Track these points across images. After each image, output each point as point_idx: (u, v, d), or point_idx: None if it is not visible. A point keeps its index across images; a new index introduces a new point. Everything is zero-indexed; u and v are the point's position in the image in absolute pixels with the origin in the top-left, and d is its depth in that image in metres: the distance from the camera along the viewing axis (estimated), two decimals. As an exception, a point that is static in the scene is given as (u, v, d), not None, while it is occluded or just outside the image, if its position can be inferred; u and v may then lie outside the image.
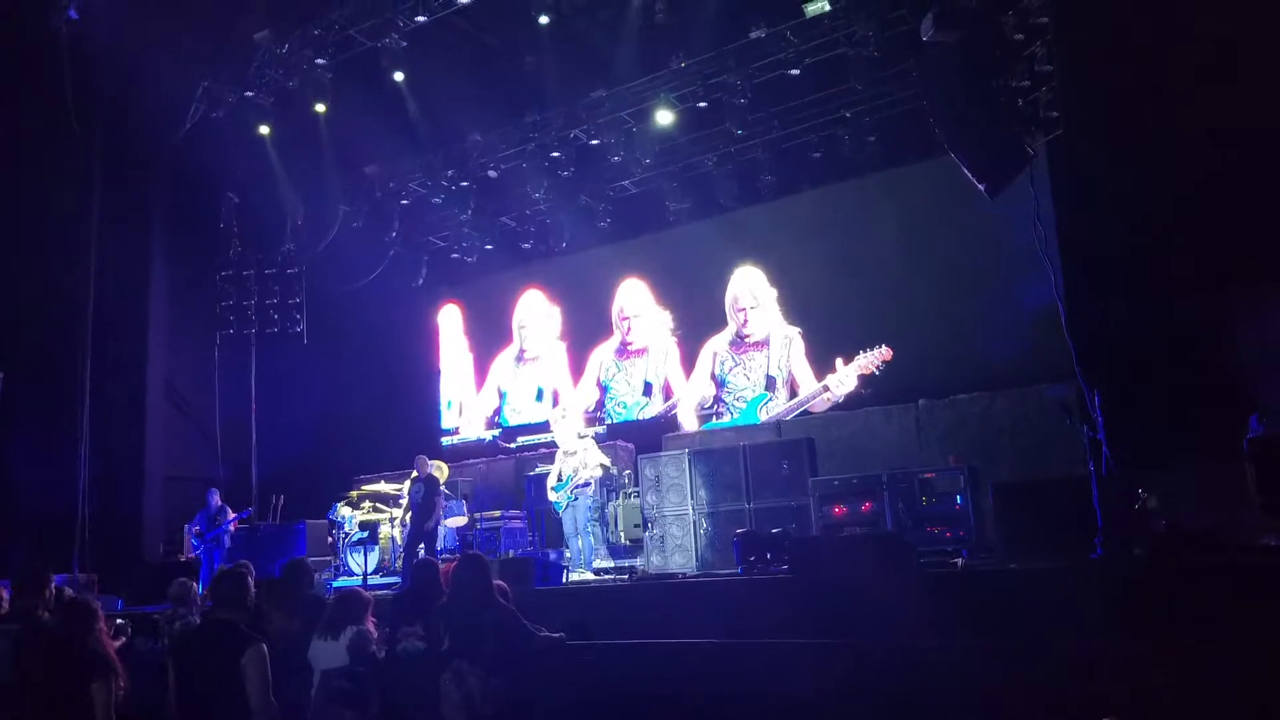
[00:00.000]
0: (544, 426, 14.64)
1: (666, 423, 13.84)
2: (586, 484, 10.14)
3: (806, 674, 6.19)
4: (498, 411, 16.18)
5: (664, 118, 12.84)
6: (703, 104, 12.67)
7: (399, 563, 12.25)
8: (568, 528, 10.31)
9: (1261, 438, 6.62)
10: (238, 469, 15.18)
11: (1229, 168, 7.25)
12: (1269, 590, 5.77)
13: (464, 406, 16.67)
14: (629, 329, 14.79)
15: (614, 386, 14.84)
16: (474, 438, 16.26)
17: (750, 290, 13.63)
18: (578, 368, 15.32)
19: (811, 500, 9.16)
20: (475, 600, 5.95)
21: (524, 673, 5.91)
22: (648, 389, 14.34)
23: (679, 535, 10.08)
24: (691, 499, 10.10)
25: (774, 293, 13.47)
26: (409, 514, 11.21)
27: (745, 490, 9.81)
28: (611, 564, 10.44)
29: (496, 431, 15.95)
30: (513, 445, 14.98)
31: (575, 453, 10.27)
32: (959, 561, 7.46)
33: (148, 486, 14.54)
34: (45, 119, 13.31)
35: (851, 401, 11.32)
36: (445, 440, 16.47)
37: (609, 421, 14.56)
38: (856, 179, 12.66)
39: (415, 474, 11.20)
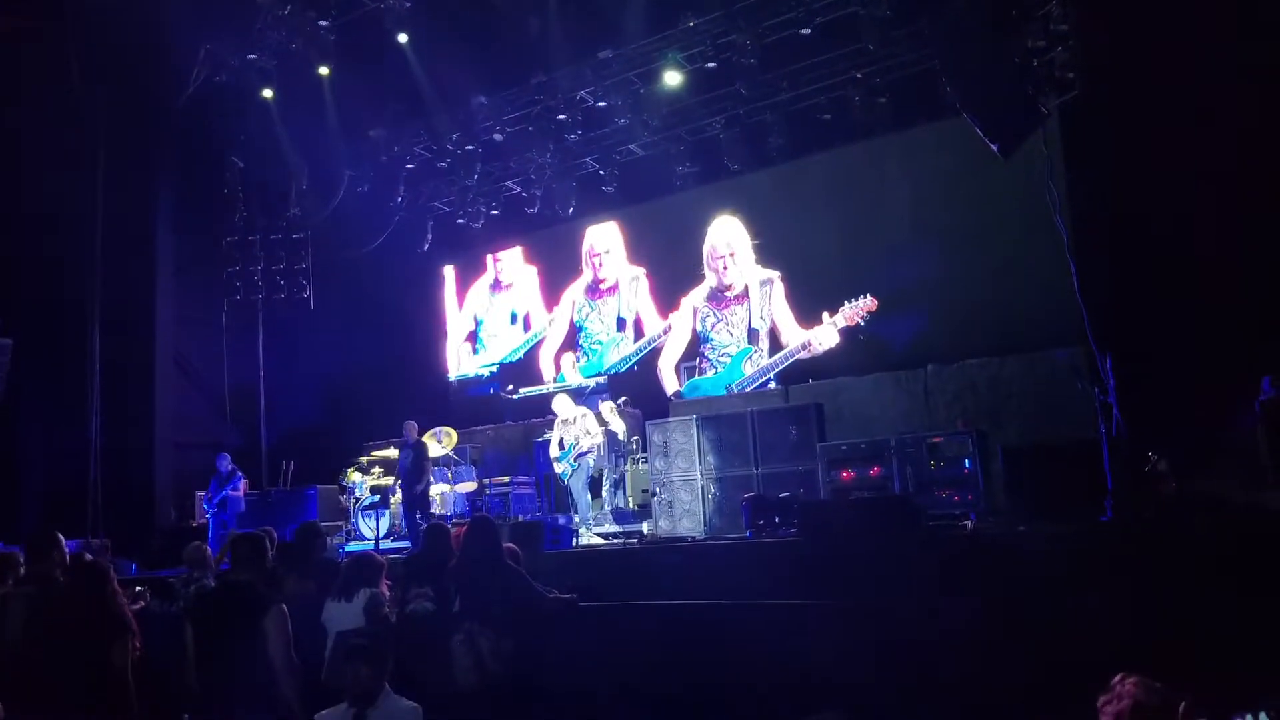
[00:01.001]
0: (531, 368, 15.32)
1: (645, 366, 14.13)
2: (587, 451, 10.25)
3: (813, 633, 6.27)
4: (473, 335, 16.62)
5: (671, 79, 12.72)
6: (711, 64, 12.52)
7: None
8: (575, 492, 10.41)
9: (1274, 400, 6.60)
10: (247, 435, 15.30)
11: (1247, 132, 7.17)
12: (1273, 552, 5.81)
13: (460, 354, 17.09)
14: (600, 264, 15.08)
15: (588, 325, 15.22)
16: (471, 373, 16.57)
17: (727, 239, 13.63)
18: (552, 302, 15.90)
19: (820, 465, 9.18)
20: (484, 563, 6.10)
21: (534, 633, 6.04)
22: (620, 324, 14.75)
23: (687, 500, 10.15)
24: (700, 464, 10.15)
25: (749, 241, 13.50)
26: (399, 481, 11.32)
27: (753, 455, 9.84)
28: (620, 529, 10.53)
29: (491, 367, 16.23)
30: (515, 396, 15.10)
31: (574, 420, 10.36)
32: (968, 524, 7.49)
33: (158, 453, 14.67)
34: (49, 85, 13.28)
35: (862, 366, 11.28)
36: (454, 383, 16.70)
37: (586, 359, 14.93)
38: (866, 141, 12.51)
39: (403, 440, 11.30)
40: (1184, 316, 7.09)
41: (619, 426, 10.40)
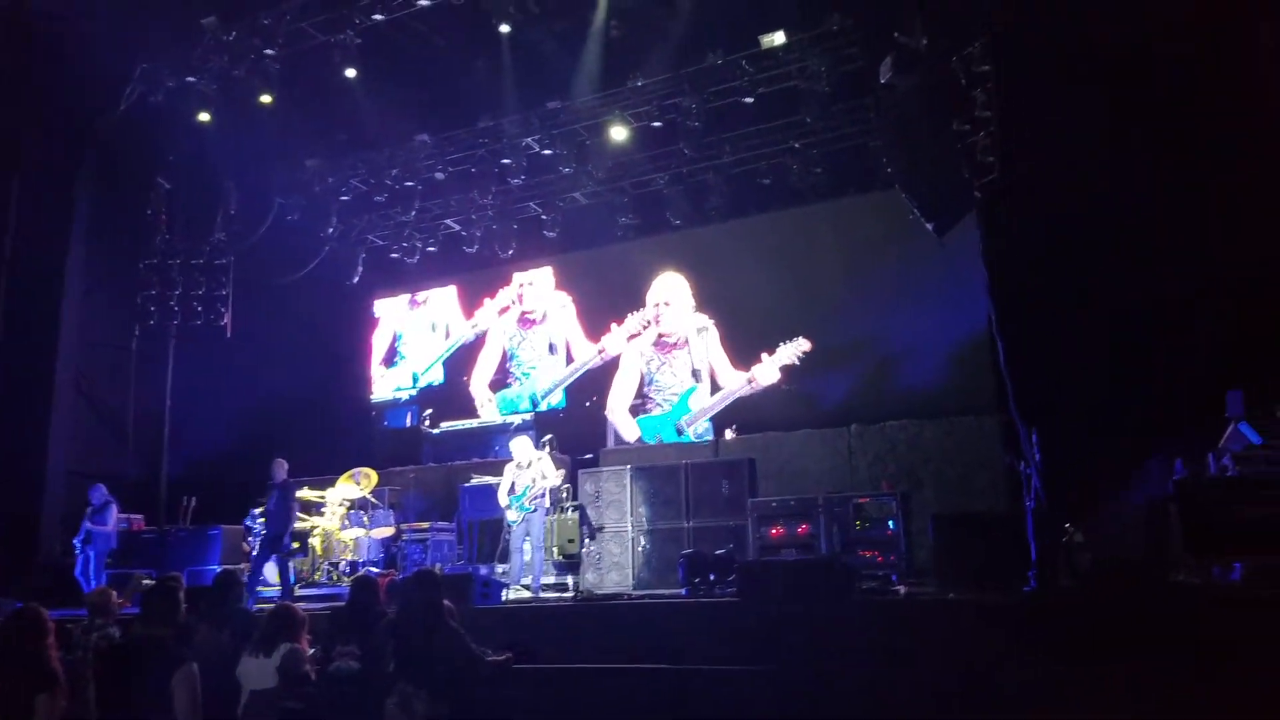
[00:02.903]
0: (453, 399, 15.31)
1: (572, 404, 14.29)
2: (542, 495, 10.02)
3: (757, 702, 6.31)
4: (392, 349, 16.58)
5: (618, 134, 12.98)
6: (657, 123, 12.84)
7: (318, 574, 11.96)
8: (515, 542, 10.10)
9: (1185, 480, 7.03)
10: (149, 467, 14.58)
11: (1170, 212, 7.70)
12: (1184, 623, 6.15)
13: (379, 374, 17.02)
14: (524, 298, 15.43)
15: (519, 353, 15.42)
16: (388, 396, 16.44)
17: (667, 291, 14.17)
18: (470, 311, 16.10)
19: (750, 521, 9.34)
20: (425, 621, 5.85)
21: (471, 698, 5.82)
22: (552, 348, 15.03)
23: (617, 552, 10.15)
24: (631, 516, 10.17)
25: (690, 295, 14.01)
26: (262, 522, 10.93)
27: (685, 509, 9.94)
28: (552, 579, 10.40)
29: (410, 390, 16.13)
30: (436, 430, 14.95)
31: (531, 464, 10.10)
32: (901, 589, 7.70)
33: (49, 483, 13.76)
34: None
35: (789, 422, 11.55)
36: (374, 409, 16.54)
37: (515, 385, 15.08)
38: (802, 207, 13.00)
39: (271, 479, 10.77)
40: (1103, 395, 7.49)
41: (553, 472, 10.24)
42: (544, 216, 14.63)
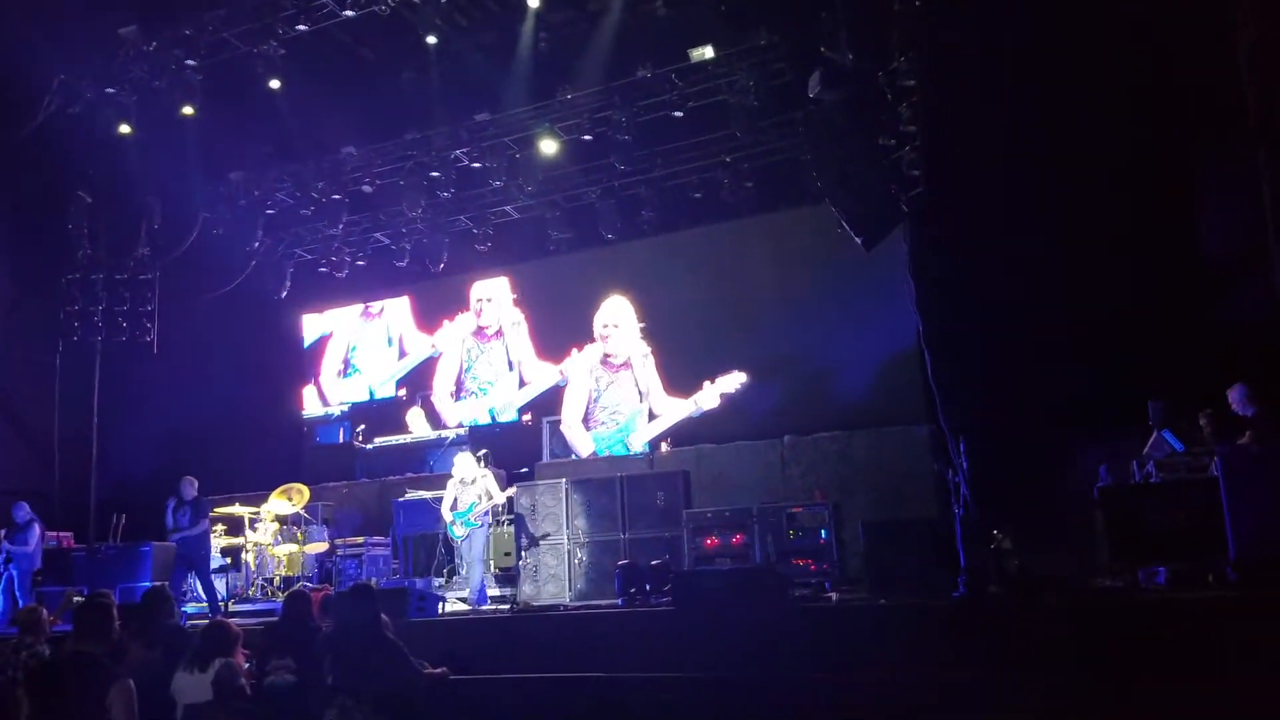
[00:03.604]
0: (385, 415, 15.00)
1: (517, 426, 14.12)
2: (487, 513, 9.74)
3: (694, 709, 6.18)
4: (346, 361, 16.09)
5: (548, 147, 12.71)
6: (587, 137, 12.63)
7: (252, 589, 11.53)
8: (472, 556, 9.80)
9: (1109, 487, 7.08)
10: (76, 485, 13.89)
11: (1093, 224, 7.78)
12: (1110, 627, 6.17)
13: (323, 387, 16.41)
14: (482, 311, 15.11)
15: (475, 367, 15.11)
16: (320, 413, 15.90)
17: (614, 314, 14.01)
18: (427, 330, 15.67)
19: (685, 532, 9.19)
20: (364, 634, 5.84)
21: (410, 710, 5.79)
22: (510, 365, 14.85)
23: (553, 564, 9.90)
24: (568, 528, 9.94)
25: (636, 320, 13.88)
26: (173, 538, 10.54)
27: (621, 521, 9.76)
28: (495, 591, 10.11)
29: (343, 406, 15.68)
30: (369, 446, 14.54)
31: (475, 481, 9.82)
32: (833, 596, 7.61)
33: (-27, 502, 13.06)
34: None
35: (723, 435, 11.46)
36: (306, 425, 16.01)
37: (469, 399, 14.83)
38: (734, 220, 12.89)
39: (180, 496, 10.45)
40: (1028, 404, 7.54)
41: (498, 492, 9.99)
42: (475, 230, 14.29)
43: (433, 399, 15.16)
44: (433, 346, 15.35)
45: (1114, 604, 6.35)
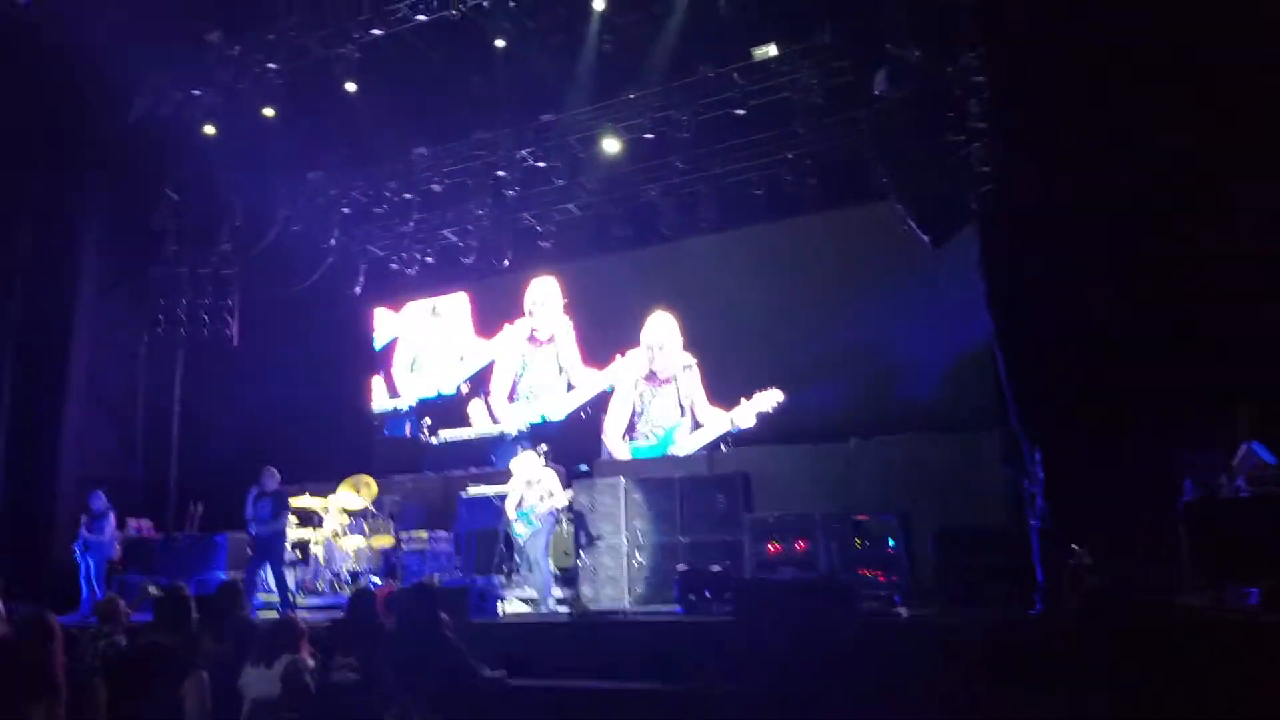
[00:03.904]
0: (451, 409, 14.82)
1: (577, 423, 13.82)
2: (552, 513, 9.35)
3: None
4: (411, 363, 16.02)
5: (610, 146, 12.35)
6: (649, 135, 12.20)
7: (320, 583, 11.40)
8: (535, 555, 9.41)
9: (1194, 501, 6.41)
10: (157, 473, 14.02)
11: (1176, 218, 7.08)
12: (1197, 649, 5.58)
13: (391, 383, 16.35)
14: (534, 314, 14.89)
15: (527, 372, 14.91)
16: (390, 408, 15.80)
17: (660, 333, 13.65)
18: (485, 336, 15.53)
19: (746, 537, 8.71)
20: (423, 635, 5.63)
21: (468, 711, 5.53)
22: (560, 370, 14.63)
23: (611, 566, 9.50)
24: (625, 529, 9.53)
25: (680, 335, 13.49)
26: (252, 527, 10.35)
27: (679, 523, 9.31)
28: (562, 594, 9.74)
29: (410, 402, 15.63)
30: (435, 440, 14.42)
31: (540, 480, 9.47)
32: (903, 611, 7.07)
33: (61, 487, 13.21)
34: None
35: (785, 436, 10.93)
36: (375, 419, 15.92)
37: (522, 403, 14.62)
38: (797, 218, 12.30)
39: (262, 487, 10.22)
40: (1109, 410, 6.89)
41: (560, 491, 9.58)
42: (538, 228, 13.99)
43: (490, 400, 14.99)
44: (491, 351, 15.16)
45: (1202, 624, 5.73)
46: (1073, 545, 6.62)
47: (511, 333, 15.00)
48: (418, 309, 16.03)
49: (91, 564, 10.99)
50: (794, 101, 11.26)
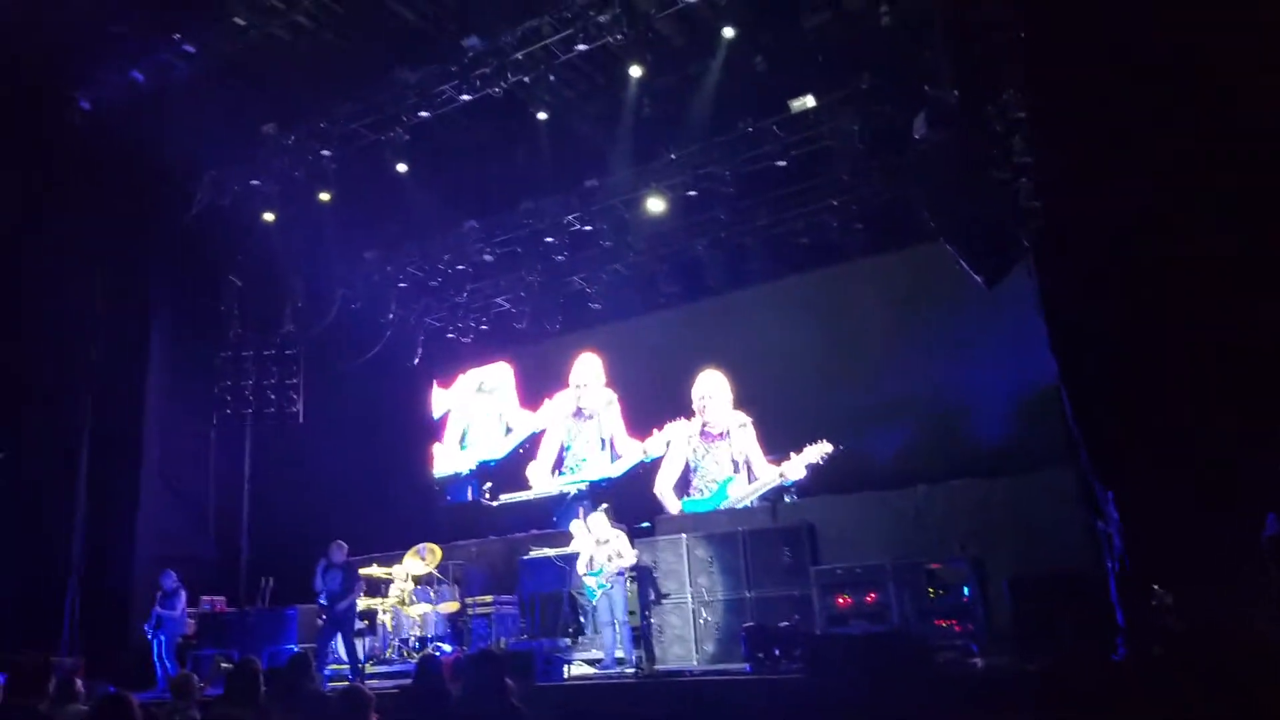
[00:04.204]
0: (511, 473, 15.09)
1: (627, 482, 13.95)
2: (620, 573, 9.38)
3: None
4: (460, 436, 16.31)
5: (655, 205, 12.59)
6: (692, 193, 12.41)
7: (388, 651, 11.53)
8: (604, 616, 9.45)
9: (1278, 536, 6.18)
10: (228, 550, 14.39)
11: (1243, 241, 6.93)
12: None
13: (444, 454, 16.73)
14: (580, 396, 15.17)
15: (574, 444, 15.14)
16: (450, 471, 16.06)
17: (709, 387, 13.73)
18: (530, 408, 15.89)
19: (814, 590, 8.59)
20: (489, 701, 5.52)
21: None
22: (602, 444, 14.84)
23: (678, 625, 9.45)
24: (690, 586, 9.49)
25: (730, 391, 13.55)
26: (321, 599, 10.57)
27: (745, 578, 9.23)
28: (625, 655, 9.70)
29: (469, 466, 15.86)
30: (496, 503, 14.64)
31: (609, 541, 9.52)
32: (978, 661, 6.89)
33: (137, 566, 13.65)
34: (49, 203, 12.89)
35: (849, 484, 10.78)
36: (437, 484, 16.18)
37: (568, 474, 14.81)
38: (844, 264, 12.35)
39: (329, 559, 10.49)
40: (1183, 446, 6.69)
41: (629, 551, 9.58)
42: (588, 290, 14.28)
43: (529, 473, 15.27)
44: (537, 422, 15.46)
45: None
46: (1153, 586, 6.42)
47: (558, 405, 15.31)
48: (466, 384, 16.42)
49: (164, 641, 11.32)
50: (835, 149, 11.38)
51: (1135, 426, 6.87)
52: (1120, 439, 6.93)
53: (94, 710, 4.88)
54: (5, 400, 12.82)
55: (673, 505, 13.37)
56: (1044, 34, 8.53)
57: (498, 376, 16.16)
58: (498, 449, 15.80)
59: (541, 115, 11.42)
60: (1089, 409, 7.17)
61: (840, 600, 8.27)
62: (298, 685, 6.66)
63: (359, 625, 10.95)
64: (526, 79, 11.08)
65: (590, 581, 9.49)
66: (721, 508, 12.48)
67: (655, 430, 13.79)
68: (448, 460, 16.35)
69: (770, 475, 12.45)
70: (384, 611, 11.63)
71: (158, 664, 11.25)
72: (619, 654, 9.19)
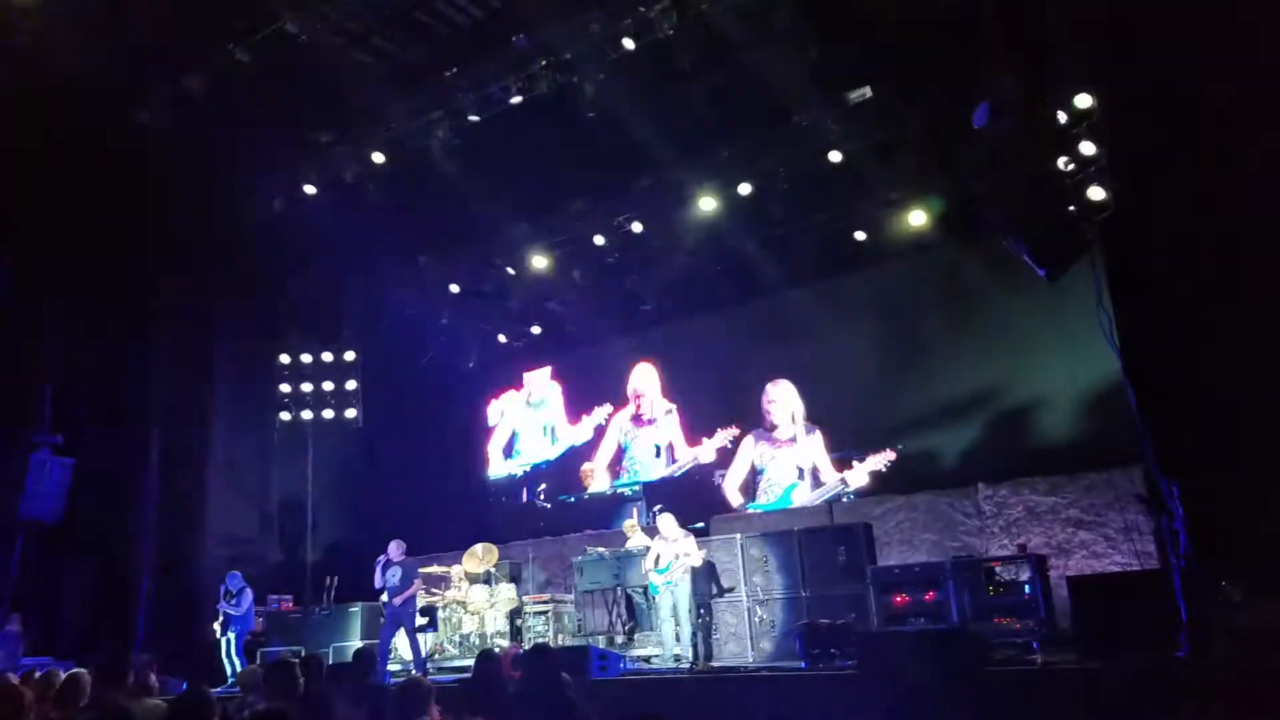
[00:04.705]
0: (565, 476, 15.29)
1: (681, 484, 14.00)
2: (688, 572, 9.52)
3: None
4: (510, 444, 16.61)
5: (707, 204, 12.66)
6: (745, 190, 12.43)
7: (449, 646, 11.86)
8: (664, 614, 9.58)
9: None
10: (294, 550, 14.98)
11: None
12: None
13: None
14: (640, 403, 15.33)
15: (632, 448, 15.32)
16: (504, 474, 16.37)
17: (775, 396, 13.65)
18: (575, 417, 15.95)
19: (871, 589, 8.64)
20: (546, 694, 5.83)
21: None
22: (657, 451, 15.02)
23: (733, 623, 9.58)
24: (745, 585, 9.62)
25: (796, 396, 13.47)
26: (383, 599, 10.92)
27: (800, 576, 9.31)
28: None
29: (523, 468, 16.09)
30: (550, 505, 14.88)
31: (676, 540, 9.72)
32: (1037, 659, 6.90)
33: (205, 568, 14.30)
34: (111, 212, 13.50)
35: (907, 484, 10.79)
36: (491, 485, 16.49)
37: (625, 475, 15.03)
38: (904, 260, 12.30)
39: (387, 558, 10.85)
40: (1251, 439, 6.61)
41: (695, 552, 9.73)
42: (640, 291, 14.39)
43: (586, 470, 15.41)
44: (582, 432, 15.60)
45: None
46: (1221, 582, 6.36)
47: (615, 414, 15.46)
48: (515, 397, 16.66)
49: (233, 638, 11.84)
50: (893, 141, 11.37)
51: (1201, 420, 6.80)
52: (1186, 433, 6.87)
53: (177, 704, 5.17)
54: (78, 409, 13.49)
55: (735, 500, 13.46)
56: (1112, 19, 8.47)
57: (546, 389, 16.40)
58: (548, 453, 16.09)
59: (592, 114, 11.60)
60: (1154, 404, 7.11)
61: (897, 599, 8.30)
62: (361, 678, 7.07)
63: (420, 622, 11.30)
64: (575, 78, 11.27)
65: (656, 579, 9.66)
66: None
67: (705, 438, 13.77)
68: (501, 464, 16.69)
69: (833, 481, 12.48)
70: (443, 609, 11.98)
71: (227, 661, 11.78)
72: (677, 650, 9.34)
